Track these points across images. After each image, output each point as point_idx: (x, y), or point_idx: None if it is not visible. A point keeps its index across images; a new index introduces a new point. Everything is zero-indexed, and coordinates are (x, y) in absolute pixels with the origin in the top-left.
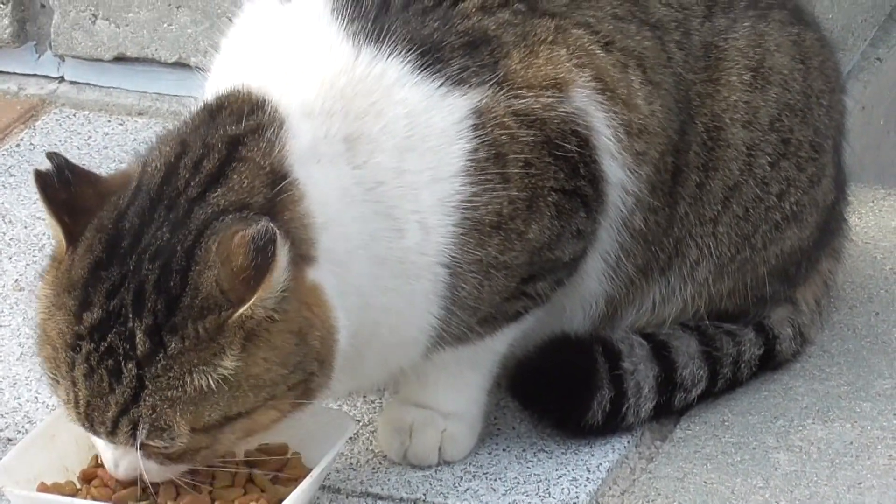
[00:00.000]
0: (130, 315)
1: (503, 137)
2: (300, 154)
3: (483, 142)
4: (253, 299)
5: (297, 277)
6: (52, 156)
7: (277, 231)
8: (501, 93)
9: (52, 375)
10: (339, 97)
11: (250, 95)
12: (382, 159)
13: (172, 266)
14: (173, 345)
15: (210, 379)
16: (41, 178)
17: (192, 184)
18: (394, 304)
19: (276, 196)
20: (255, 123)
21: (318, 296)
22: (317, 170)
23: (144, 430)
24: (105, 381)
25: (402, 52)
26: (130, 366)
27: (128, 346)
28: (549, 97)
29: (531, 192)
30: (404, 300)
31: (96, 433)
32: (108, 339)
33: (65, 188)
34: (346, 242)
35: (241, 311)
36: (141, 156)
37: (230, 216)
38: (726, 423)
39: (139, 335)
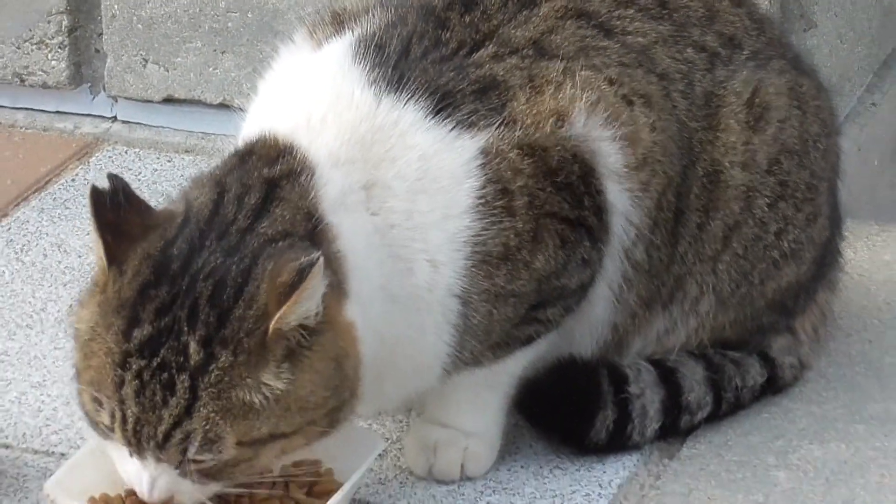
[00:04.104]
0: (185, 329)
1: (508, 172)
2: (331, 201)
3: (490, 179)
4: (282, 310)
5: (338, 308)
6: (112, 177)
7: (321, 259)
8: (506, 130)
9: (94, 397)
10: (360, 145)
11: (276, 141)
12: (395, 204)
13: (228, 283)
14: (224, 357)
15: (257, 394)
16: (95, 194)
17: (239, 217)
18: (406, 336)
19: (315, 231)
20: (288, 168)
21: (352, 331)
22: (345, 217)
23: (196, 443)
24: (158, 395)
25: (418, 99)
26: (184, 377)
27: (181, 359)
28: (549, 126)
29: (536, 223)
30: (416, 331)
31: (141, 450)
32: (161, 355)
33: (115, 210)
34: (369, 284)
35: (273, 321)
36: (181, 195)
37: (280, 244)
38: (729, 444)
39: (193, 346)
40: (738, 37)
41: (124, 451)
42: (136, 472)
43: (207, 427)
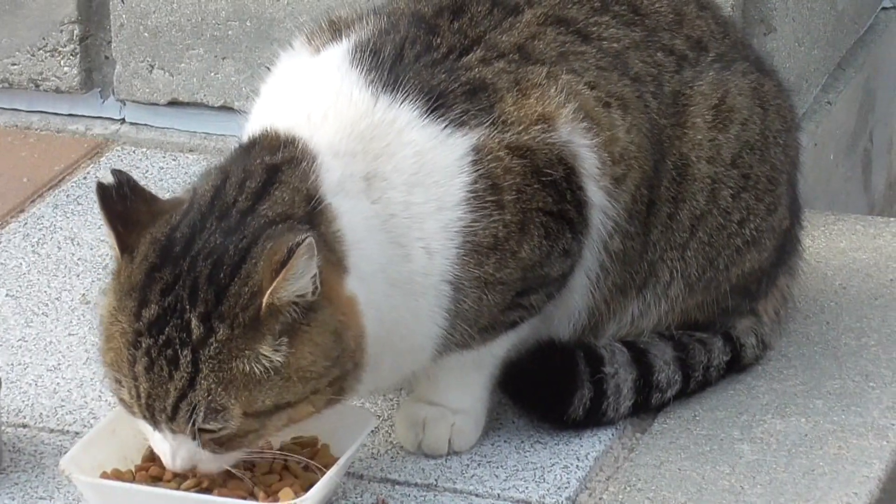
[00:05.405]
0: (187, 307)
1: (498, 169)
2: (331, 186)
3: (481, 175)
4: (272, 286)
5: (337, 284)
6: (115, 172)
7: (313, 239)
8: (496, 130)
9: (115, 377)
10: (360, 139)
11: (278, 135)
12: (394, 195)
13: (226, 262)
14: (222, 331)
15: (257, 365)
16: (102, 189)
17: (240, 199)
18: (403, 318)
19: (314, 212)
20: (290, 155)
21: (353, 305)
22: (345, 200)
23: (201, 413)
24: (164, 370)
25: (413, 99)
26: (186, 352)
27: (184, 335)
28: (537, 129)
29: (523, 216)
30: (412, 315)
31: (157, 423)
32: (166, 332)
33: (122, 201)
34: (369, 264)
35: (265, 296)
36: (191, 185)
37: (280, 226)
38: (697, 419)
39: (194, 322)
40: (704, 40)
41: (149, 426)
42: (160, 444)
43: (210, 398)
